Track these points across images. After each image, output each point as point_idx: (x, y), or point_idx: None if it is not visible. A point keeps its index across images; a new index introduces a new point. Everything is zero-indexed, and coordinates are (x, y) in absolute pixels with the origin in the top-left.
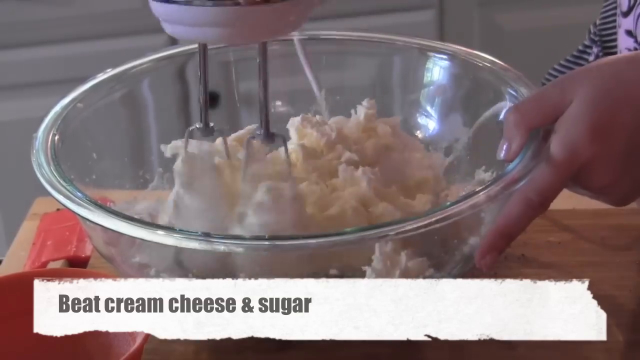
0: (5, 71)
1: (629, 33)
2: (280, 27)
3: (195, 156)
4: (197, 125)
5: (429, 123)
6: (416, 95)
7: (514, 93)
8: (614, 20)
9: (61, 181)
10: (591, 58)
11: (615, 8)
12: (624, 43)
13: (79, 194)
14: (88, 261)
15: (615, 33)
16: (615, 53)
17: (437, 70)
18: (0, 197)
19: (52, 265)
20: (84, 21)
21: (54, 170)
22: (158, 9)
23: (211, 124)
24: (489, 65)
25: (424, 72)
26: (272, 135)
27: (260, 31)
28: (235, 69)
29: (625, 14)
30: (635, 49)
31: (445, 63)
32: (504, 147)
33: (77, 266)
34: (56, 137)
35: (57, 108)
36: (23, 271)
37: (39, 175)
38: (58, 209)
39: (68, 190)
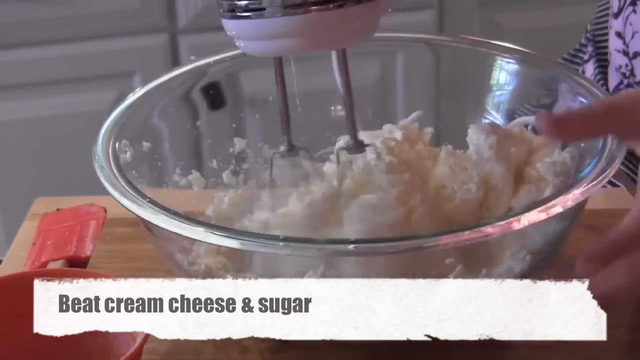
0: (5, 71)
1: (619, 34)
2: (355, 33)
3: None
4: (281, 148)
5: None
6: (483, 97)
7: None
8: (607, 21)
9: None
10: (586, 57)
11: (608, 9)
12: (613, 44)
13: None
14: (88, 261)
15: (607, 34)
16: (607, 54)
17: (505, 75)
18: (0, 197)
19: (52, 265)
20: (84, 21)
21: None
22: (229, 25)
23: (294, 143)
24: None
25: (492, 74)
26: (362, 144)
27: (336, 38)
28: (241, 70)
29: (616, 15)
30: (624, 50)
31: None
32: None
33: (77, 266)
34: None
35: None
36: (23, 271)
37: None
38: (58, 209)
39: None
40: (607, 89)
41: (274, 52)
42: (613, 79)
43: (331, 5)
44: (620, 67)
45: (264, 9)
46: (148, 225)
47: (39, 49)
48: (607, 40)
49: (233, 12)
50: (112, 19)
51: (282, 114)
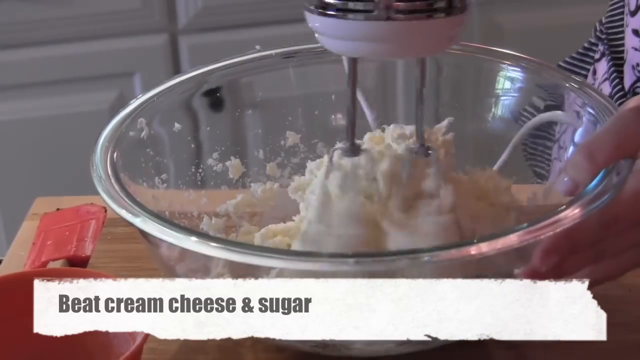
0: (5, 71)
1: (636, 32)
2: (439, 43)
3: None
4: (342, 145)
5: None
6: (484, 105)
7: (591, 112)
8: (621, 19)
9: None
10: (597, 56)
11: (622, 6)
12: (630, 42)
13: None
14: (88, 261)
15: (622, 32)
16: (621, 52)
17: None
18: (0, 197)
19: (52, 265)
20: (84, 21)
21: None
22: (313, 21)
23: (357, 142)
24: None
25: (494, 82)
26: (428, 148)
27: (419, 47)
28: (240, 72)
29: (633, 13)
30: None
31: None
32: (568, 183)
33: (77, 266)
34: (115, 154)
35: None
36: (23, 271)
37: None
38: (58, 209)
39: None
40: (623, 88)
41: (354, 54)
42: (629, 78)
43: (420, 15)
44: (638, 64)
45: (350, 10)
46: (148, 237)
47: (39, 49)
48: (621, 39)
49: (322, 8)
50: (112, 19)
51: (350, 114)
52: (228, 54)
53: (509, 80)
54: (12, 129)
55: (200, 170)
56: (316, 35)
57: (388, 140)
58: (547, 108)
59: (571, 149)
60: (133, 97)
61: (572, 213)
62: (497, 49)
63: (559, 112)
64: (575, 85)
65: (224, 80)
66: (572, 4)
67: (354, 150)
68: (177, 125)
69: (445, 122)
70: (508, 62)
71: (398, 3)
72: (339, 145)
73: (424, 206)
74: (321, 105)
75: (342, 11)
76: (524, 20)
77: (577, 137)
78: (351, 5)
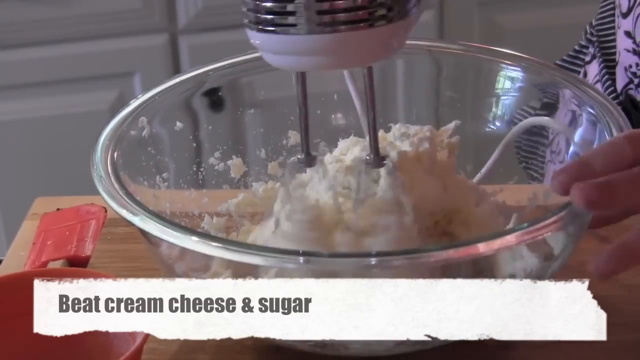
0: (5, 71)
1: (628, 34)
2: (383, 51)
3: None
4: (298, 156)
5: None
6: (485, 105)
7: (592, 111)
8: (612, 21)
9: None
10: (587, 58)
11: (613, 8)
12: (622, 44)
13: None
14: (88, 261)
15: (613, 34)
16: (613, 54)
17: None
18: (0, 197)
19: (52, 265)
20: (84, 21)
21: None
22: (254, 37)
23: (313, 153)
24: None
25: (494, 82)
26: (383, 159)
27: (363, 56)
28: (241, 72)
29: (625, 15)
30: (634, 49)
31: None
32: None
33: (77, 266)
34: (116, 154)
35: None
36: (23, 271)
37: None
38: (58, 209)
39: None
40: (615, 90)
41: (299, 68)
42: (621, 79)
43: (361, 25)
44: (630, 66)
45: (290, 25)
46: (148, 236)
47: (39, 49)
48: (613, 40)
49: (259, 24)
50: (112, 19)
51: (302, 126)
52: (228, 54)
53: (509, 80)
54: (12, 129)
55: (201, 170)
56: (260, 53)
57: (391, 139)
58: (544, 107)
59: (572, 148)
60: (133, 97)
61: None
62: (497, 49)
63: (549, 119)
64: (575, 85)
65: (224, 80)
66: (571, 4)
67: (309, 160)
68: (178, 124)
69: (452, 125)
70: (508, 62)
71: (337, 15)
72: (293, 158)
73: (381, 221)
74: (323, 105)
75: (281, 26)
76: (524, 20)
77: (577, 137)
78: (290, 19)
